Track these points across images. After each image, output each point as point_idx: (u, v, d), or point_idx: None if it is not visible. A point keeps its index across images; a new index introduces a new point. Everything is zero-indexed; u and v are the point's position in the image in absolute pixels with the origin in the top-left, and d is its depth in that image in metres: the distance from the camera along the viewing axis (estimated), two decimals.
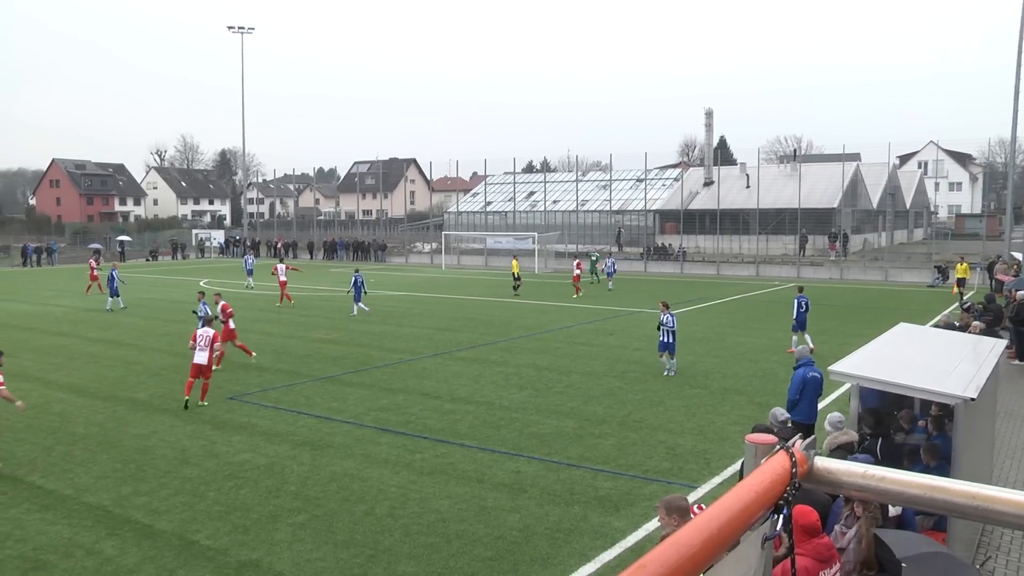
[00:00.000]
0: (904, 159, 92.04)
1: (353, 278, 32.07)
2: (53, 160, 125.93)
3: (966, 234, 68.24)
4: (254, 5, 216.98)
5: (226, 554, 9.74)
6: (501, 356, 22.82)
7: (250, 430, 15.24)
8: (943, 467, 8.75)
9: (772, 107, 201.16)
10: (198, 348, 17.06)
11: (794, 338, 23.44)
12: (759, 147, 66.01)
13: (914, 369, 9.89)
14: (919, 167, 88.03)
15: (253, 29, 79.16)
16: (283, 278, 36.38)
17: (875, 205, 65.47)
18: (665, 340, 20.34)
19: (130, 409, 16.90)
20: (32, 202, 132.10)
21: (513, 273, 41.63)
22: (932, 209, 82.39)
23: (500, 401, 17.47)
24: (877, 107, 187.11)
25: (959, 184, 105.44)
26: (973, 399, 8.14)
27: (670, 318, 20.34)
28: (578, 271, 41.65)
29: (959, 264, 39.00)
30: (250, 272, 45.88)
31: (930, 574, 6.04)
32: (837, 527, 7.46)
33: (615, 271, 45.21)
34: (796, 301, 23.79)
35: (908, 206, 74.37)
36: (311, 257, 73.75)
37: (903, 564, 6.12)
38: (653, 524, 10.42)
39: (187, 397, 16.99)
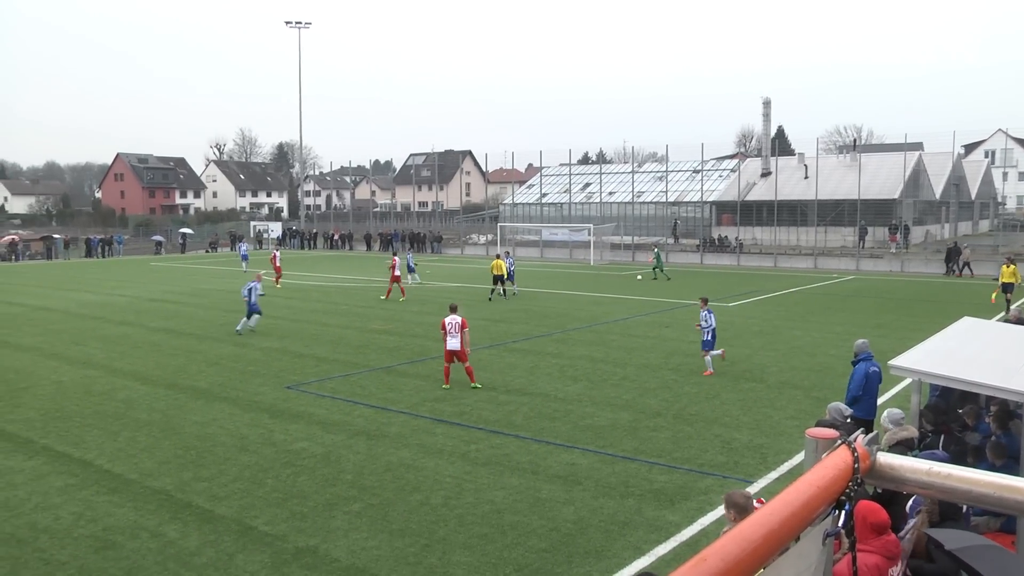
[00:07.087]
0: (970, 148, 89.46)
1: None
2: (117, 154, 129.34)
3: None
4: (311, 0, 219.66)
5: (284, 540, 9.92)
6: (556, 348, 22.80)
7: (307, 419, 15.48)
8: (1010, 466, 8.52)
9: (831, 97, 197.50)
10: (449, 335, 17.96)
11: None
12: (818, 137, 64.31)
13: (979, 365, 9.62)
14: (986, 156, 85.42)
15: (310, 24, 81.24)
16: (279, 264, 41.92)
17: (938, 196, 63.77)
18: None
19: (191, 397, 17.29)
20: (98, 195, 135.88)
21: (494, 275, 34.82)
22: (999, 200, 79.95)
23: (555, 393, 17.46)
24: (940, 98, 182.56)
25: None
26: None
27: None
28: (396, 271, 34.42)
29: (1004, 267, 31.60)
30: (244, 258, 50.55)
31: (982, 563, 5.96)
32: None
33: (513, 269, 36.66)
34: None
35: (973, 197, 72.26)
36: (368, 248, 74.47)
37: (954, 553, 6.05)
38: (708, 519, 10.35)
39: (446, 385, 17.94)
